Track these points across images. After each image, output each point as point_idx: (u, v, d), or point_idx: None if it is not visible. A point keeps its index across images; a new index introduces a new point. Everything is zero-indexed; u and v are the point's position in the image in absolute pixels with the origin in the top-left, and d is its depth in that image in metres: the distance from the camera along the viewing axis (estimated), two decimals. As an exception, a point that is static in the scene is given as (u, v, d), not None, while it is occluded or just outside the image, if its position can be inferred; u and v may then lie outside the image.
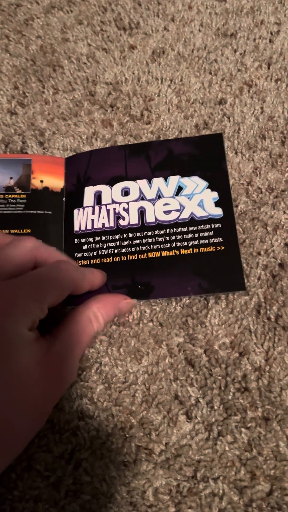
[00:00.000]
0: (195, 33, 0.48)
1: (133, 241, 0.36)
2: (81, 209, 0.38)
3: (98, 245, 0.36)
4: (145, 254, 0.36)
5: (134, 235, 0.37)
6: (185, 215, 0.37)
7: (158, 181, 0.38)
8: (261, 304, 0.35)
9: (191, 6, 0.50)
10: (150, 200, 0.38)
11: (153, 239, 0.36)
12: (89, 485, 0.30)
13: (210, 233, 0.36)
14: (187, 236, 0.36)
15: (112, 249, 0.36)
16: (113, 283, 0.35)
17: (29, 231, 0.37)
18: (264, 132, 0.42)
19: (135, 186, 0.38)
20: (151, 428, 0.31)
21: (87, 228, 0.37)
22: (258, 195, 0.39)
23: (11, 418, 0.23)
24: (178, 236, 0.36)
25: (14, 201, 0.38)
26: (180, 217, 0.37)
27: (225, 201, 0.37)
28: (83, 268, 0.32)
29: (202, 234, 0.36)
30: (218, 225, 0.36)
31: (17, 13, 0.49)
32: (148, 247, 0.36)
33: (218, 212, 0.37)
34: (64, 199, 0.39)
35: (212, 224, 0.37)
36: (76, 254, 0.37)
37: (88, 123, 0.43)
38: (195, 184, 0.38)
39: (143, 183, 0.38)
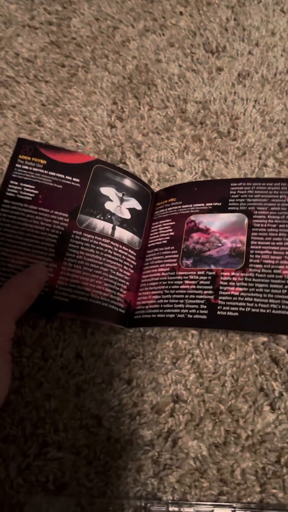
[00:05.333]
0: (277, 57, 0.52)
1: None
2: None
3: None
4: None
5: None
6: None
7: None
8: None
9: (274, 32, 0.53)
10: None
11: None
12: (184, 461, 0.34)
13: None
14: None
15: None
16: None
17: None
18: None
19: None
20: (239, 415, 0.35)
21: None
22: None
23: None
24: None
25: None
26: None
27: None
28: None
29: None
30: None
31: (115, 35, 0.54)
32: None
33: None
34: None
35: None
36: None
37: (179, 138, 0.47)
38: None
39: None
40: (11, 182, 0.39)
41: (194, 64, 0.52)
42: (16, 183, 0.39)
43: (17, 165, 0.40)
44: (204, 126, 0.48)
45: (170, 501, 0.33)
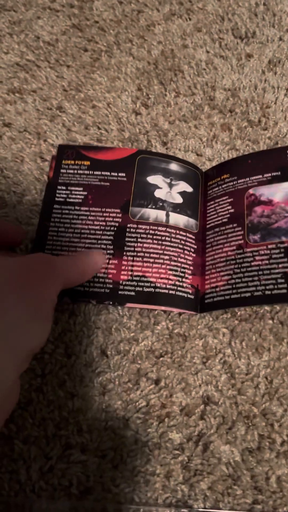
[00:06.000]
0: (310, 44, 0.49)
1: None
2: None
3: None
4: None
5: None
6: None
7: None
8: None
9: (306, 18, 0.51)
10: None
11: None
12: (216, 466, 0.32)
13: None
14: None
15: None
16: None
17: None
18: None
19: None
20: (273, 419, 0.33)
21: None
22: None
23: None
24: None
25: None
26: None
27: None
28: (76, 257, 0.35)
29: None
30: None
31: (139, 18, 0.52)
32: None
33: None
34: None
35: None
36: None
37: (207, 126, 0.45)
38: None
39: None
40: (59, 187, 0.40)
41: (222, 50, 0.49)
42: (64, 188, 0.40)
43: (62, 170, 0.41)
44: (233, 115, 0.45)
45: (201, 509, 0.31)
